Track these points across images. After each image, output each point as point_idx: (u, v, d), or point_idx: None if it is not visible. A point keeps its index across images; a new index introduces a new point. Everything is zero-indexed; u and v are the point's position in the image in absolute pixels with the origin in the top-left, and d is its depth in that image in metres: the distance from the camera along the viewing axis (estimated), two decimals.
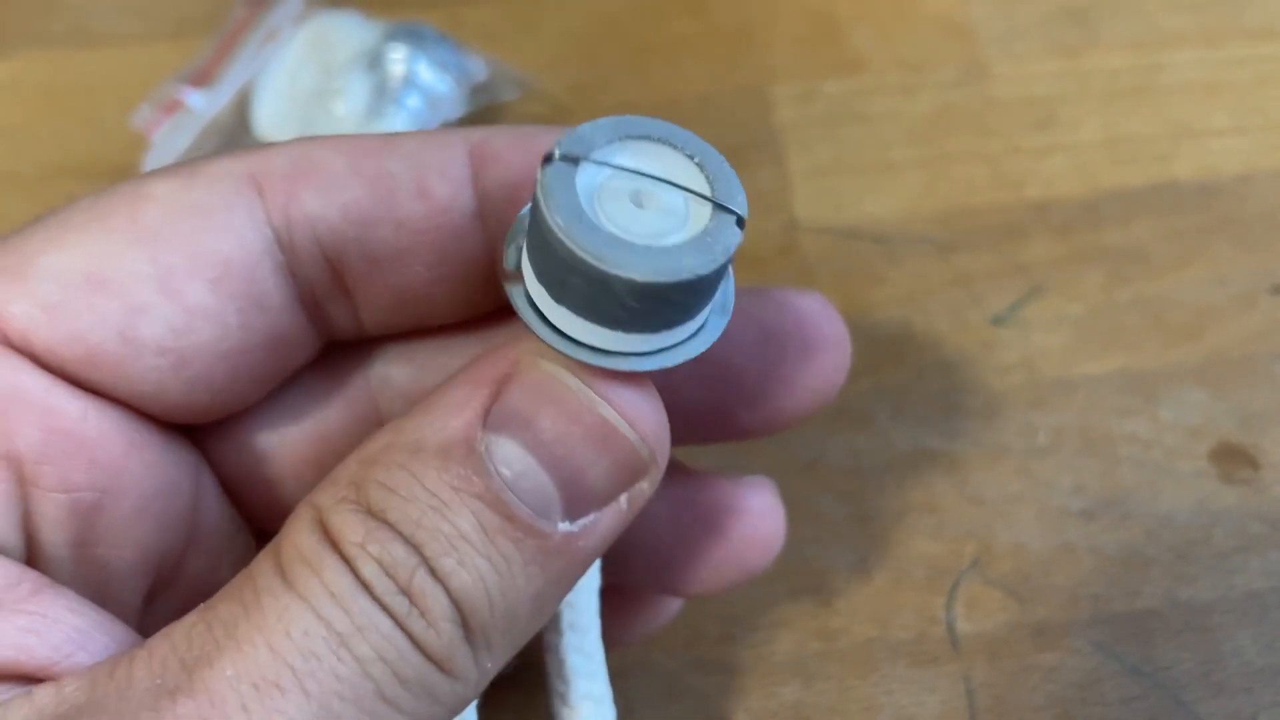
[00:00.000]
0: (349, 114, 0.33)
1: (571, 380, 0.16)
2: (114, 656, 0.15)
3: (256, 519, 0.20)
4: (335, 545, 0.15)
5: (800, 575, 0.27)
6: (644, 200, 0.15)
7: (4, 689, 0.15)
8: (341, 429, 0.20)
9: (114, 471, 0.17)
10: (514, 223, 0.17)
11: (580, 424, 0.16)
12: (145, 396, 0.17)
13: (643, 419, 0.16)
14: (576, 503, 0.16)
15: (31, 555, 0.16)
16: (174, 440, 0.18)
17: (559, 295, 0.15)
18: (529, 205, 0.16)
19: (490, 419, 0.15)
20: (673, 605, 0.24)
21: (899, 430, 0.29)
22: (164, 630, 0.15)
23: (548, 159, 0.15)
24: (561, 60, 0.38)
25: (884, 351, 0.30)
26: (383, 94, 0.33)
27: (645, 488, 0.16)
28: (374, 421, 0.20)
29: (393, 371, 0.20)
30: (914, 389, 0.30)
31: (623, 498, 0.16)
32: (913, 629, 0.26)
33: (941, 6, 0.39)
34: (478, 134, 0.18)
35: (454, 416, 0.15)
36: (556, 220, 0.14)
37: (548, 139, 0.17)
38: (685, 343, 0.16)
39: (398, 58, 0.34)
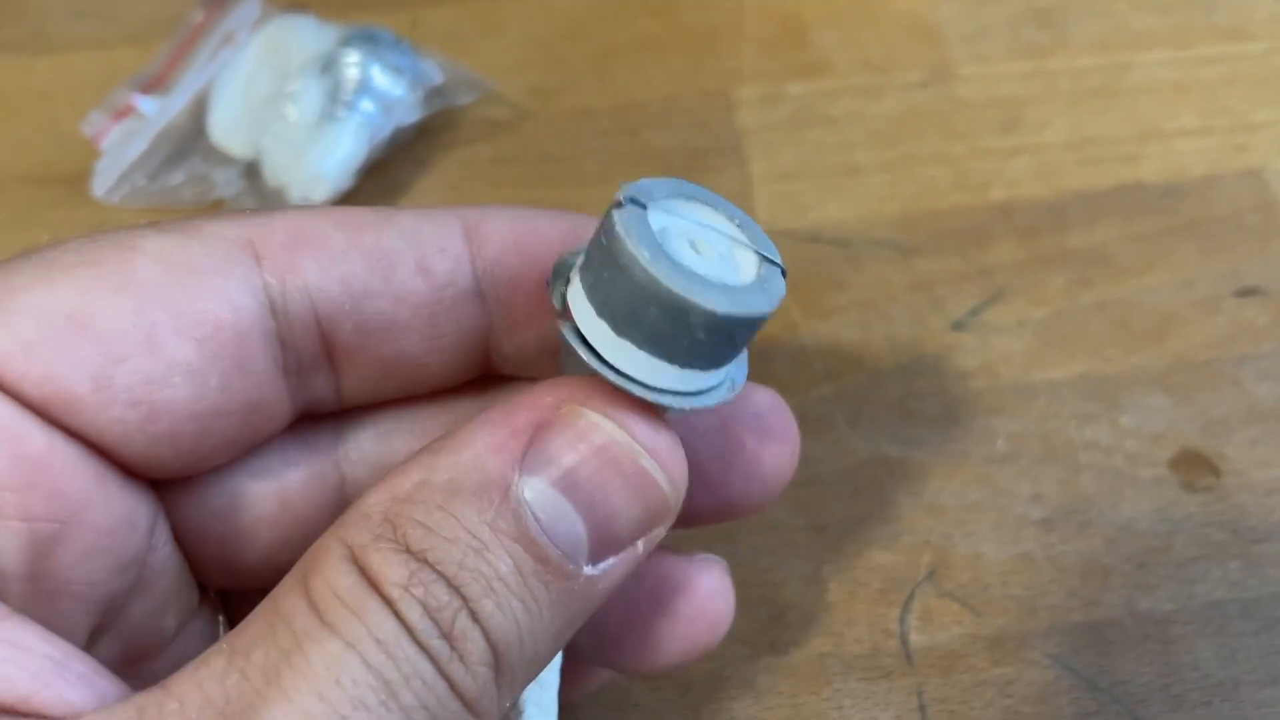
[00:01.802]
0: (301, 118, 0.33)
1: (615, 430, 0.16)
2: (135, 703, 0.14)
3: (206, 573, 0.20)
4: (376, 586, 0.15)
5: (753, 587, 0.26)
6: (700, 247, 0.16)
7: None
8: (303, 493, 0.20)
9: (75, 505, 0.17)
10: (556, 266, 0.17)
11: (621, 472, 0.16)
12: (109, 445, 0.17)
13: (675, 466, 0.17)
14: (603, 547, 0.16)
15: None
16: (134, 482, 0.18)
17: (623, 329, 0.16)
18: (580, 248, 0.17)
19: (526, 462, 0.16)
20: (606, 672, 0.23)
21: (857, 437, 0.28)
22: (188, 676, 0.15)
23: (617, 204, 0.16)
24: (524, 63, 0.38)
25: (843, 357, 0.30)
26: (336, 98, 0.33)
27: (661, 532, 0.17)
28: (336, 486, 0.20)
29: (359, 436, 0.20)
30: (872, 395, 0.29)
31: (640, 542, 0.17)
32: (866, 642, 0.25)
33: (909, 8, 0.38)
34: (472, 214, 0.19)
35: (490, 458, 0.16)
36: (641, 253, 0.15)
37: (542, 220, 0.19)
38: (717, 388, 0.17)
39: (352, 61, 0.33)
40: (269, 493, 0.19)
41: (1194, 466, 0.27)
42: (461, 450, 0.16)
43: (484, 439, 0.16)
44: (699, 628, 0.20)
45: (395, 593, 0.14)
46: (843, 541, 0.27)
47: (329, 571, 0.15)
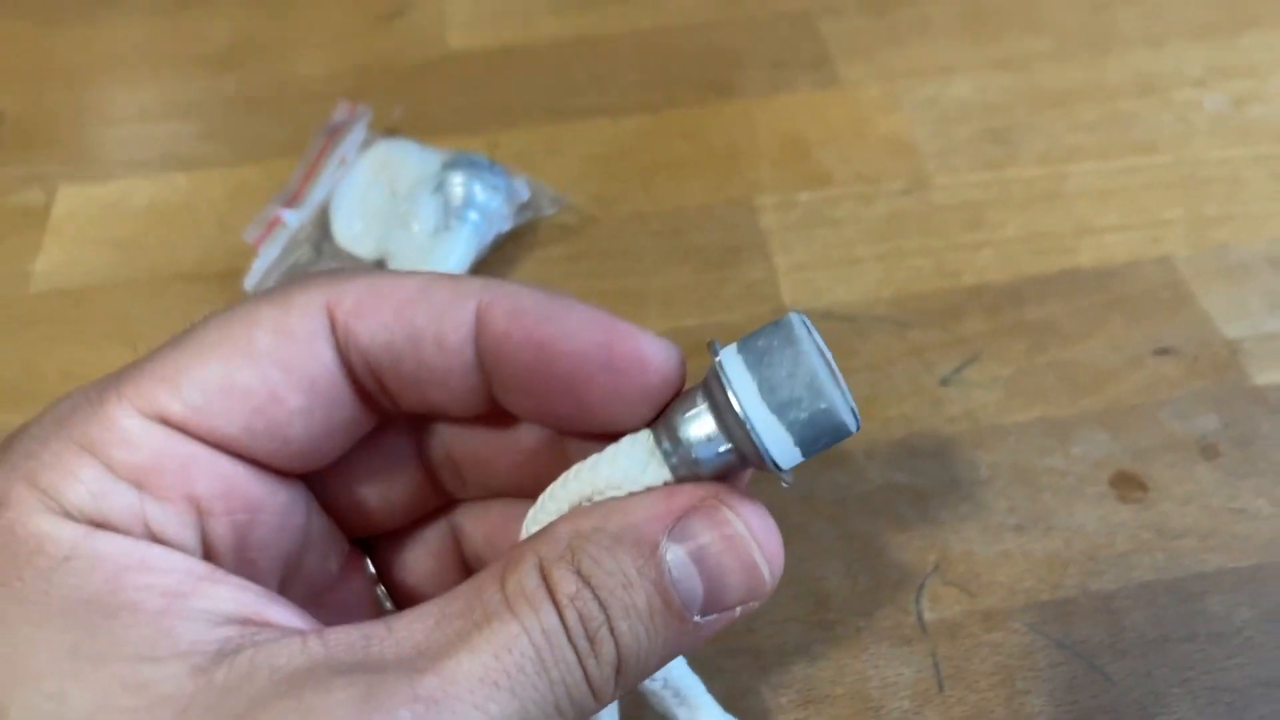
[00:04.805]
0: (422, 230, 0.41)
1: (740, 526, 0.21)
2: (362, 630, 0.21)
3: (346, 524, 0.27)
4: (551, 593, 0.20)
5: (802, 583, 0.34)
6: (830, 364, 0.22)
7: (237, 628, 0.20)
8: (400, 467, 0.27)
9: (257, 502, 0.24)
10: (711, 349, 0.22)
11: (738, 557, 0.21)
12: (262, 463, 0.24)
13: (776, 560, 0.22)
14: (711, 606, 0.21)
15: (207, 558, 0.23)
16: (288, 480, 0.25)
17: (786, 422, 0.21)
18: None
19: (673, 533, 0.21)
20: None
21: (872, 469, 0.37)
22: (406, 624, 0.20)
23: (801, 335, 0.22)
24: (583, 177, 0.47)
25: (857, 409, 0.38)
26: (448, 212, 0.41)
27: (756, 605, 0.22)
28: (419, 466, 0.27)
29: (443, 437, 0.26)
30: (882, 437, 0.38)
31: (738, 609, 0.22)
32: (891, 619, 0.33)
33: (890, 130, 0.48)
34: (488, 294, 0.23)
35: (648, 525, 0.21)
36: (827, 397, 0.22)
37: (533, 296, 0.23)
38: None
39: (458, 182, 0.42)
40: (374, 467, 0.26)
41: (1127, 484, 0.36)
42: (629, 514, 0.21)
43: (646, 510, 0.21)
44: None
45: (564, 600, 0.20)
46: (868, 546, 0.35)
47: (522, 573, 0.20)
